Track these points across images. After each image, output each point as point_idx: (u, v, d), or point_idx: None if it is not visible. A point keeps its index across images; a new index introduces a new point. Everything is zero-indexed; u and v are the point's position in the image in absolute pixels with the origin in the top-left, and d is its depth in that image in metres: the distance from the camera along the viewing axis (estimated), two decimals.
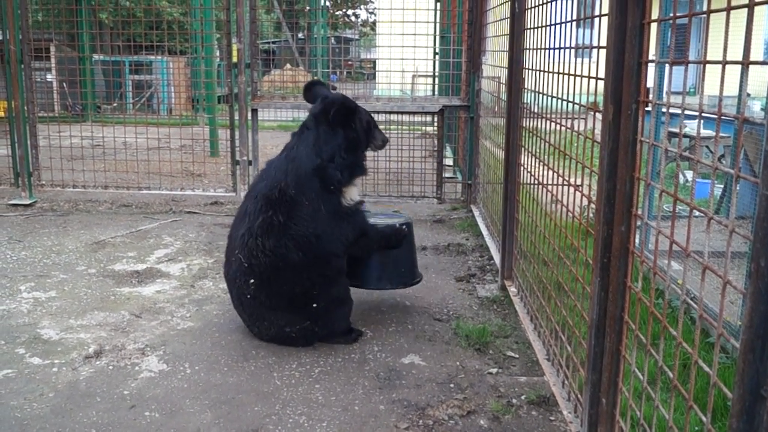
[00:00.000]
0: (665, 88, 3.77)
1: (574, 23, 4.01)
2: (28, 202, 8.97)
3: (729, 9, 2.08)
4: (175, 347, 4.77)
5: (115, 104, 18.35)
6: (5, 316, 5.21)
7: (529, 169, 4.98)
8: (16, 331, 4.96)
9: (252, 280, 4.63)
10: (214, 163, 11.73)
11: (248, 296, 4.69)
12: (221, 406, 4.00)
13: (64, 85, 18.25)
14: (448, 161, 11.18)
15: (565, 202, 3.98)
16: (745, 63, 1.96)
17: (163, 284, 6.01)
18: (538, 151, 4.72)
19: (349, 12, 39.53)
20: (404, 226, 5.24)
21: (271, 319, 4.72)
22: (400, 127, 10.15)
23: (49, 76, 18.55)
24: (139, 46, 11.14)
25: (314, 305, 4.69)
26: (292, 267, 4.60)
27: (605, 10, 2.92)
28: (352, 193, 4.85)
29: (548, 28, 4.37)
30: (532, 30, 4.88)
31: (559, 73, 4.08)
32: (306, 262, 4.63)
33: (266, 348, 4.76)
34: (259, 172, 4.98)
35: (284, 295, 4.66)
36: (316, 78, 5.61)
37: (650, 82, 2.74)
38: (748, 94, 6.29)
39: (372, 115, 5.21)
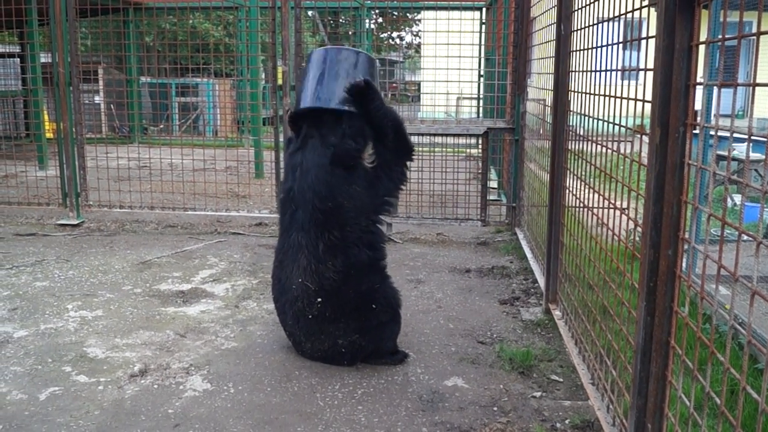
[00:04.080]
0: (713, 111, 3.74)
1: (621, 45, 3.99)
2: (75, 222, 9.11)
3: None
4: (219, 367, 4.80)
5: (161, 126, 18.62)
6: (53, 335, 5.29)
7: (574, 192, 4.95)
8: (63, 350, 5.02)
9: (319, 299, 4.60)
10: (258, 185, 11.81)
11: (310, 316, 4.67)
12: (264, 426, 4.00)
13: (112, 107, 18.58)
14: (493, 184, 11.15)
15: (610, 226, 3.95)
16: None
17: (207, 304, 6.05)
18: (583, 173, 4.69)
19: (394, 35, 39.73)
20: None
21: (330, 331, 4.69)
22: (444, 149, 10.15)
23: (97, 98, 18.92)
24: (185, 69, 11.30)
25: (373, 306, 4.70)
26: (360, 267, 4.65)
27: (652, 32, 2.91)
28: (368, 154, 4.70)
29: (594, 50, 4.35)
30: (577, 52, 4.87)
31: (605, 95, 4.06)
32: (374, 257, 4.75)
33: (309, 369, 4.77)
34: (281, 201, 4.84)
35: (350, 300, 4.65)
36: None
37: (698, 105, 2.72)
38: None
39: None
